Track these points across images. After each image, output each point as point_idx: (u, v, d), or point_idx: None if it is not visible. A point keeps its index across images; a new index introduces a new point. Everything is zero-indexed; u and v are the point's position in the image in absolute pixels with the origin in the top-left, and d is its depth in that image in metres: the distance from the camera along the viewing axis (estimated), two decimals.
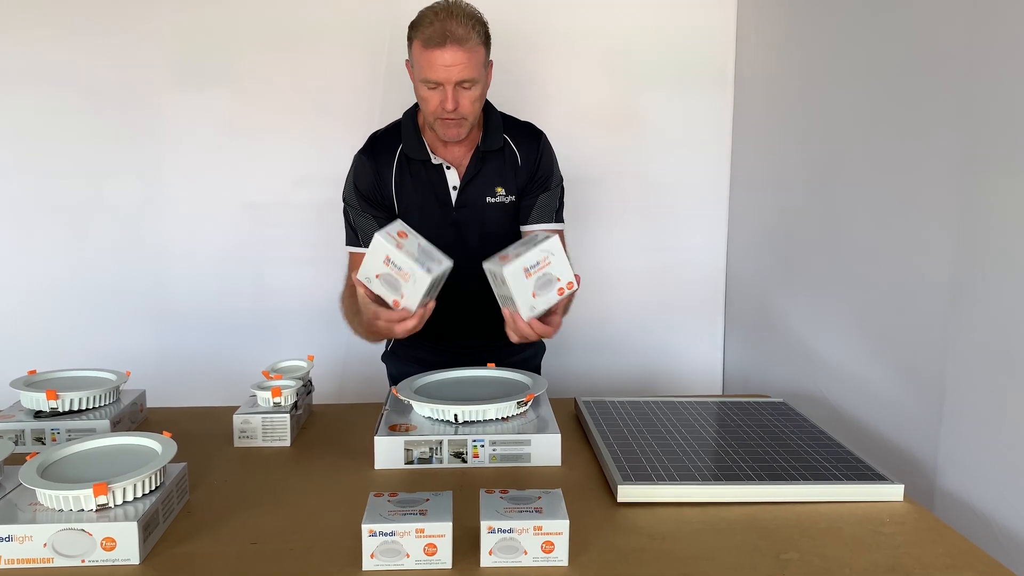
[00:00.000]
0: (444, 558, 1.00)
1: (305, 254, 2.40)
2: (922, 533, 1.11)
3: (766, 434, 1.43)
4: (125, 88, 2.30)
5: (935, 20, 1.40)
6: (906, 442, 1.48)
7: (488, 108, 1.71)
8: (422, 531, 0.99)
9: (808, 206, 1.91)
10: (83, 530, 0.99)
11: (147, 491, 1.08)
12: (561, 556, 1.01)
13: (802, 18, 1.96)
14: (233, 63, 2.32)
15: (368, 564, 0.99)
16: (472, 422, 1.39)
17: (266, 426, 1.43)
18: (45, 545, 0.99)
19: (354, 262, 1.69)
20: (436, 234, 1.57)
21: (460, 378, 1.58)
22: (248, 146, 2.34)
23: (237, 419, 1.43)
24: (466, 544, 1.04)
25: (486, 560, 1.00)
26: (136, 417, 1.54)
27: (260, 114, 2.34)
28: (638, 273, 2.50)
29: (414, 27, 1.53)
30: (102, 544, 1.00)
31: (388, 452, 1.33)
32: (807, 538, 1.09)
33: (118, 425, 1.44)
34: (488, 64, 1.59)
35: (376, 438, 1.33)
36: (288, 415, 1.44)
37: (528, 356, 1.90)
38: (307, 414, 1.60)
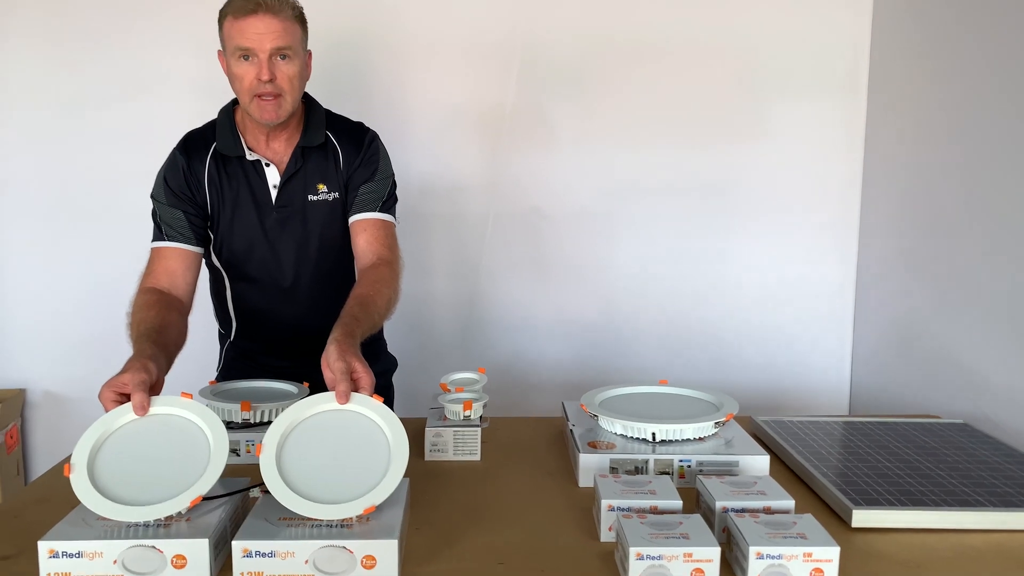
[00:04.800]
0: None
1: (435, 265, 2.40)
2: None
3: (968, 457, 1.39)
4: None
5: None
6: None
7: (311, 103, 1.64)
8: (690, 555, 0.97)
9: (957, 216, 1.86)
10: (344, 547, 0.98)
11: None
12: None
13: (944, 22, 1.92)
14: (363, 74, 2.33)
15: None
16: (668, 441, 1.36)
17: (457, 439, 1.41)
18: (307, 562, 0.98)
19: (156, 256, 1.55)
20: (255, 236, 1.60)
21: (633, 394, 1.56)
22: None
23: (429, 432, 1.41)
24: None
25: None
26: None
27: (390, 124, 2.34)
28: (761, 286, 2.46)
29: (223, 8, 1.46)
30: (363, 562, 0.98)
31: (593, 470, 1.30)
32: None
33: None
34: (307, 50, 1.54)
35: (581, 456, 1.31)
36: (479, 429, 1.42)
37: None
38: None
